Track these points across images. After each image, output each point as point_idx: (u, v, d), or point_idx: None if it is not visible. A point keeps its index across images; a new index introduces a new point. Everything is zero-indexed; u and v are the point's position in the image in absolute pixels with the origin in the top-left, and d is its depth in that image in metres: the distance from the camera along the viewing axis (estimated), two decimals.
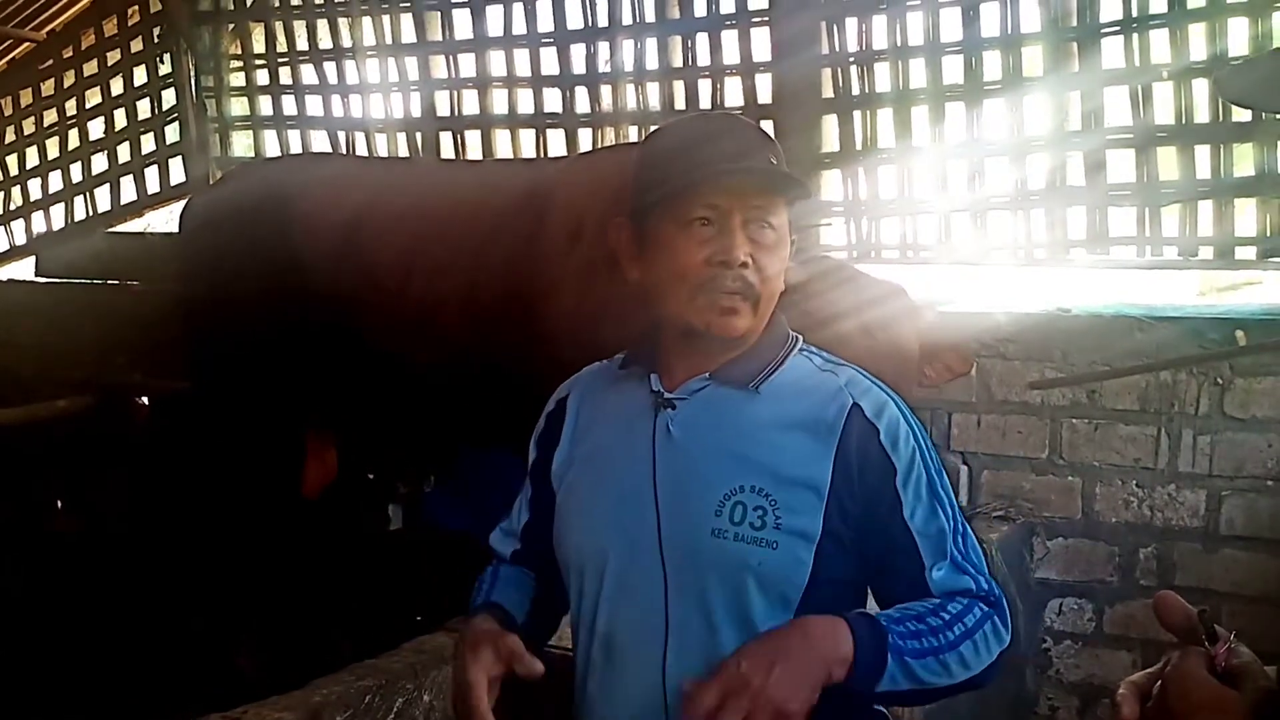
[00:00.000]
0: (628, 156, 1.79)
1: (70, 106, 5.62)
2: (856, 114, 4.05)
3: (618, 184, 1.89)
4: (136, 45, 5.39)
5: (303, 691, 1.91)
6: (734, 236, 1.47)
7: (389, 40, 4.84)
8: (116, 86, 5.48)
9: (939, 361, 2.70)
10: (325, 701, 1.89)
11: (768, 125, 4.12)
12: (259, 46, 5.16)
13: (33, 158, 5.80)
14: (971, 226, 3.91)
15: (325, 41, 4.98)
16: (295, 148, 5.10)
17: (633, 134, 4.41)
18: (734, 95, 4.24)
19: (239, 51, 5.19)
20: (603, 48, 4.44)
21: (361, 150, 4.98)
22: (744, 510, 1.45)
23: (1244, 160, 3.53)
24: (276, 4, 5.04)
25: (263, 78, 5.17)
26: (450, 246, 3.18)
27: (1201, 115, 3.55)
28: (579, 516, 1.61)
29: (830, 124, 4.10)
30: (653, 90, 4.38)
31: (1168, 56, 3.58)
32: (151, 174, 5.44)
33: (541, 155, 4.60)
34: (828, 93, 4.08)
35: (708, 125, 1.60)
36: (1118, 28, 3.63)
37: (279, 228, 3.55)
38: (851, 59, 4.03)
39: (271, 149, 5.15)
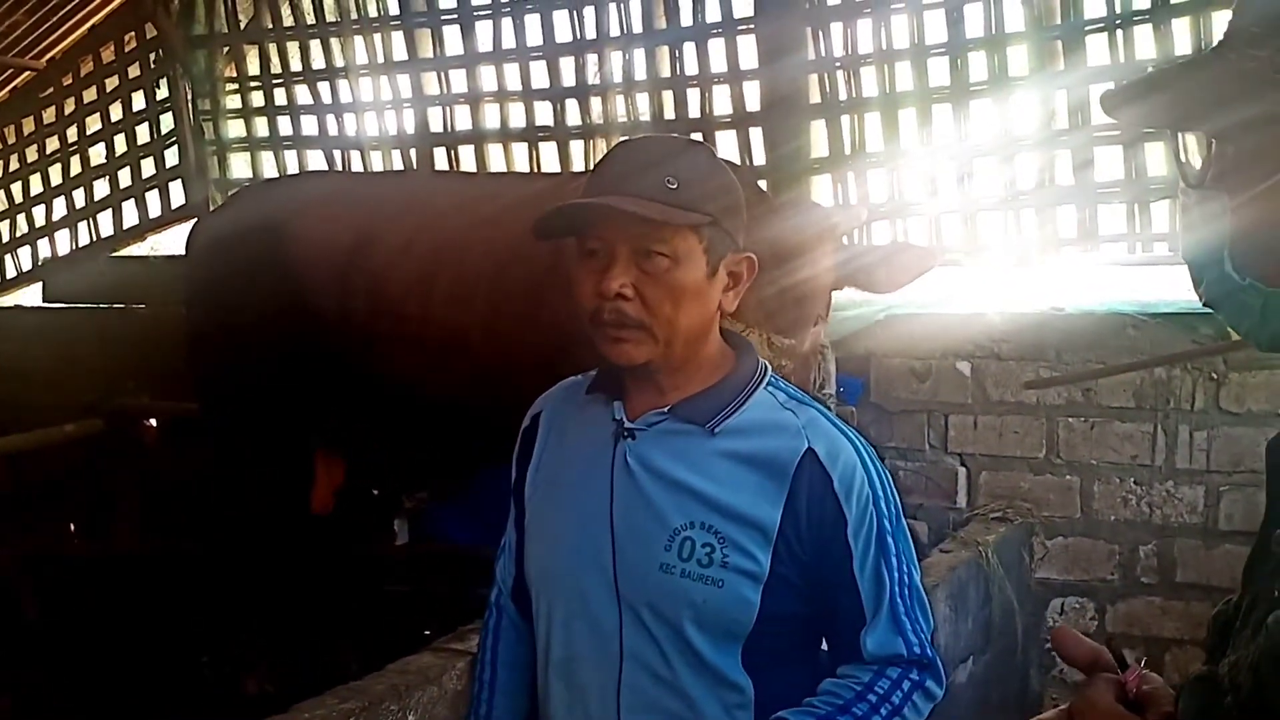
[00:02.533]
0: None
1: (71, 133, 5.66)
2: (844, 118, 4.05)
3: None
4: (134, 71, 5.42)
5: (285, 716, 1.91)
6: (612, 269, 1.45)
7: (381, 59, 4.87)
8: (116, 112, 5.52)
9: (901, 263, 2.54)
10: None
11: (756, 132, 4.14)
12: (254, 68, 5.18)
13: (36, 184, 5.84)
14: (962, 227, 3.91)
15: (319, 61, 5.00)
16: (292, 168, 5.12)
17: None
18: (722, 103, 4.24)
19: (234, 74, 5.22)
20: (591, 60, 4.45)
21: (358, 168, 5.00)
22: (692, 546, 1.46)
23: None
24: (270, 25, 5.07)
25: (258, 99, 5.19)
26: (470, 270, 3.12)
27: None
28: (540, 541, 1.62)
29: (819, 129, 4.09)
30: (642, 100, 4.39)
31: (1152, 52, 3.57)
32: (153, 198, 5.47)
33: (535, 168, 4.61)
34: (815, 98, 4.08)
35: (621, 153, 1.55)
36: (1101, 24, 3.62)
37: (275, 254, 3.51)
38: (838, 63, 4.03)
39: (269, 170, 5.18)
